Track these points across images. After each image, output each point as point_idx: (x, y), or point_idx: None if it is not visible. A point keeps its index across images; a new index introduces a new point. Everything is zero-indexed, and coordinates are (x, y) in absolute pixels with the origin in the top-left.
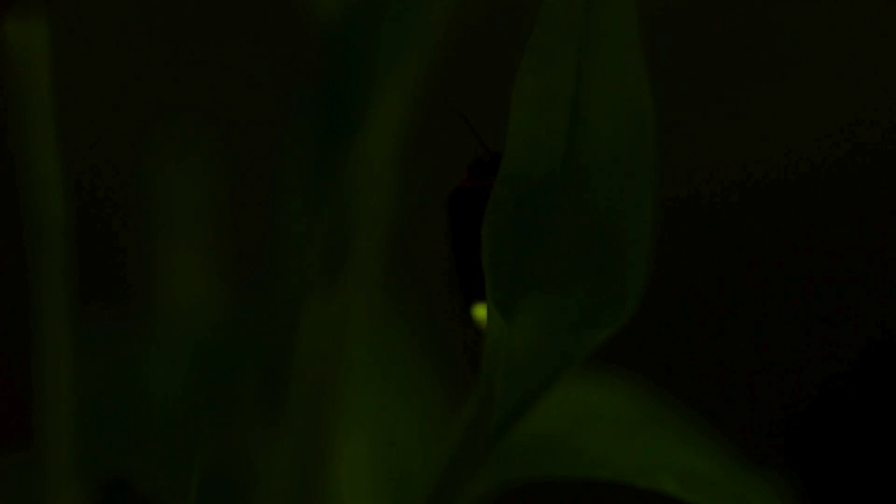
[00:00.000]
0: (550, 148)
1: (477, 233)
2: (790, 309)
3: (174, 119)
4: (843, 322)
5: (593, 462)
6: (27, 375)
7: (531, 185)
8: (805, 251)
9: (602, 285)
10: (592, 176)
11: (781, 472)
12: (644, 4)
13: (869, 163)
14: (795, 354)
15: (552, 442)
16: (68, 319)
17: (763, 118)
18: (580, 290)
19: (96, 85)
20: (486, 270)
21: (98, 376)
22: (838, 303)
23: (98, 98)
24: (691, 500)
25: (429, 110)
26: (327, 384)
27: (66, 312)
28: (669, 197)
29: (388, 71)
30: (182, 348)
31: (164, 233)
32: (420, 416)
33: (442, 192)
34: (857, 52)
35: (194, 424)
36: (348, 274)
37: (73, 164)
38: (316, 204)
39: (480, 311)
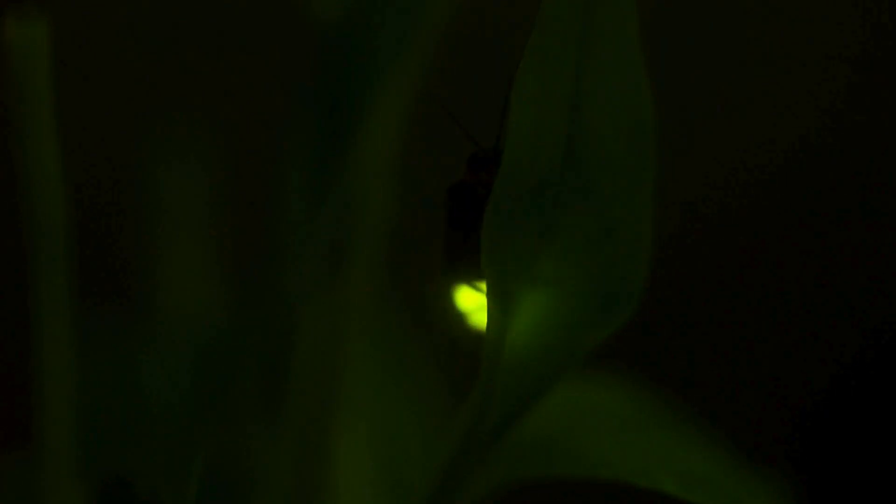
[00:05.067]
0: (550, 148)
1: (475, 228)
2: (791, 308)
3: (174, 119)
4: (845, 322)
5: (593, 462)
6: (27, 375)
7: (531, 185)
8: (806, 251)
9: (602, 285)
10: (592, 175)
11: (782, 472)
12: (644, 4)
13: (871, 163)
14: (796, 354)
15: (552, 442)
16: (68, 319)
17: (763, 118)
18: (580, 290)
19: (96, 85)
20: (486, 270)
21: (98, 376)
22: (840, 302)
23: (98, 98)
24: (691, 500)
25: (428, 109)
26: (327, 383)
27: (66, 312)
28: (669, 196)
29: (388, 71)
30: (182, 348)
31: (165, 233)
32: (420, 415)
33: (442, 190)
34: (860, 51)
35: (194, 424)
36: (348, 273)
37: (73, 164)
38: (316, 204)
39: (468, 299)
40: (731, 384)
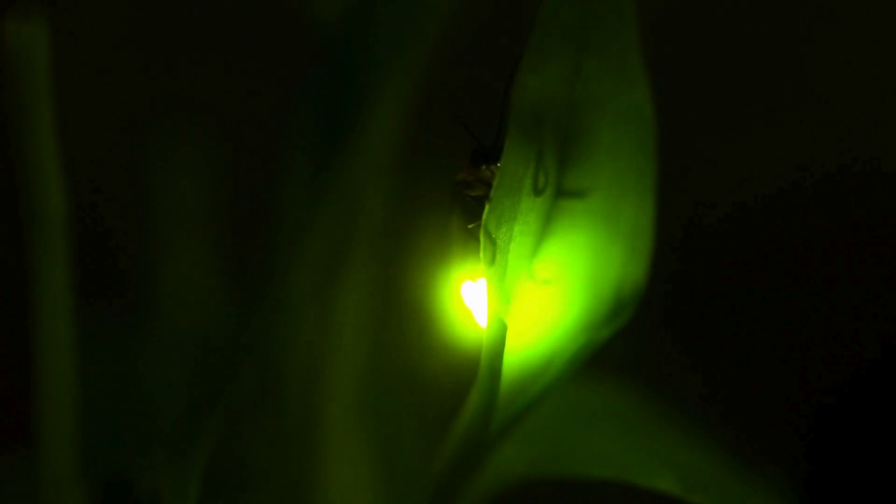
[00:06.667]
0: (550, 148)
1: (476, 225)
2: (791, 308)
3: (174, 119)
4: (846, 321)
5: (593, 462)
6: (27, 375)
7: (531, 184)
8: (806, 250)
9: (602, 285)
10: (592, 176)
11: (782, 472)
12: (644, 4)
13: (872, 163)
14: (796, 354)
15: (552, 442)
16: (68, 319)
17: (763, 118)
18: (580, 290)
19: (96, 85)
20: (486, 269)
21: (98, 376)
22: (842, 302)
23: (98, 98)
24: (691, 500)
25: (428, 108)
26: (327, 384)
27: (66, 312)
28: (669, 196)
29: (388, 71)
30: (182, 348)
31: (164, 233)
32: (420, 415)
33: (442, 188)
34: (862, 51)
35: (194, 424)
36: (348, 274)
37: (73, 164)
38: (316, 203)
39: (475, 297)
40: (731, 384)
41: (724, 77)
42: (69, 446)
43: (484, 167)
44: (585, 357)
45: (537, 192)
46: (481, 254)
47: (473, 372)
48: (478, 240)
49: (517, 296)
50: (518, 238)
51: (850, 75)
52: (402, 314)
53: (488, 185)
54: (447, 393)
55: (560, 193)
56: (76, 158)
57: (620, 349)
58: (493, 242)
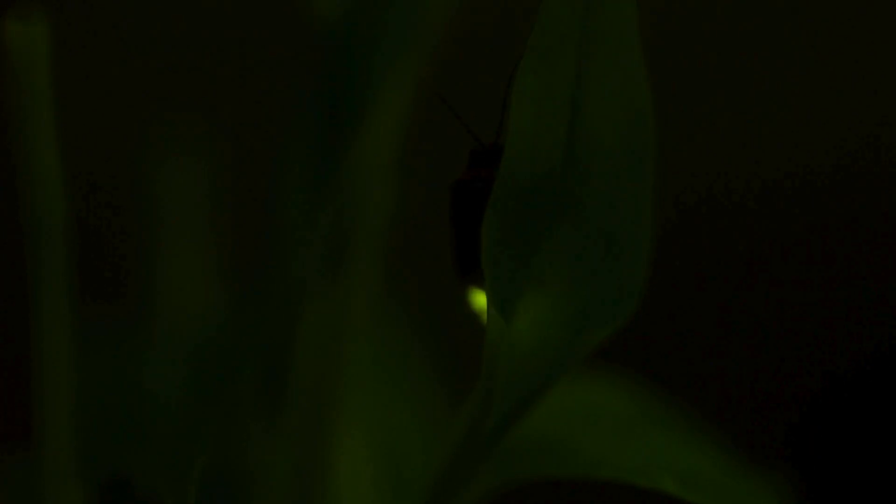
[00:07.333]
0: (550, 148)
1: (477, 224)
2: (791, 308)
3: (174, 119)
4: (845, 321)
5: (593, 462)
6: (27, 375)
7: (531, 185)
8: (805, 250)
9: (601, 285)
10: (592, 176)
11: (782, 472)
12: (644, 4)
13: (871, 167)
14: (796, 354)
15: (552, 442)
16: (68, 319)
17: (763, 118)
18: (580, 290)
19: (96, 85)
20: (486, 270)
21: (98, 376)
22: (840, 302)
23: (98, 98)
24: (691, 500)
25: (429, 107)
26: (327, 384)
27: (66, 312)
28: (669, 196)
29: (388, 70)
30: (182, 348)
31: (164, 233)
32: (420, 415)
33: (442, 188)
34: (863, 49)
35: (194, 424)
36: (348, 274)
37: (73, 164)
38: (316, 204)
39: (478, 298)
40: (731, 384)
41: (724, 76)
42: (69, 446)
43: (484, 167)
44: (585, 356)
45: (537, 192)
46: (482, 254)
47: (474, 372)
48: (478, 240)
49: (517, 296)
50: (518, 239)
51: (852, 73)
52: (402, 315)
53: (488, 186)
54: (447, 393)
55: None
56: (76, 159)
57: (620, 348)
58: (493, 242)
